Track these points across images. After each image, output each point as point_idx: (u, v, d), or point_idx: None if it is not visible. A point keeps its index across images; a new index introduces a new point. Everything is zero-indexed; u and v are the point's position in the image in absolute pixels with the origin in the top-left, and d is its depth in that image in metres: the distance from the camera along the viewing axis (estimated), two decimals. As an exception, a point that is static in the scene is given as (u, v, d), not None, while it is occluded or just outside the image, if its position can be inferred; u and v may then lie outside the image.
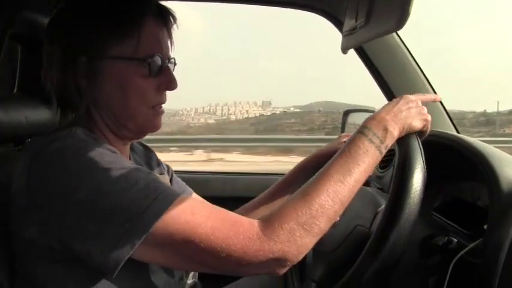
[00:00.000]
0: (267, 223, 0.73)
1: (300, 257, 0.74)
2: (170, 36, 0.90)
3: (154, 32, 0.85)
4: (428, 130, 0.90)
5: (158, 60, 0.85)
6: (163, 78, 0.87)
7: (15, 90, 1.08)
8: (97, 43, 0.82)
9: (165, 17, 0.88)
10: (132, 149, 1.03)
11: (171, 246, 0.71)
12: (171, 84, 0.88)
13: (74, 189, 0.70)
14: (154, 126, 0.89)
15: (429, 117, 0.89)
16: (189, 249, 0.71)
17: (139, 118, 0.86)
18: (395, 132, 0.83)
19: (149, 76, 0.84)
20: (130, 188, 0.70)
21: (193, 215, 0.71)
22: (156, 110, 0.88)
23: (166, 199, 0.71)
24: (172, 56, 0.91)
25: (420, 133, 0.88)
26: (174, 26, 0.91)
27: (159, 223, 0.69)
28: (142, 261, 0.73)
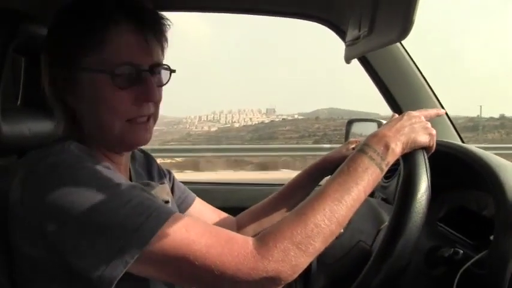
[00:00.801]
0: (262, 242, 0.72)
1: (294, 276, 0.73)
2: (150, 41, 0.83)
3: (124, 40, 0.80)
4: (434, 145, 0.89)
5: (129, 70, 0.80)
6: (140, 89, 0.82)
7: (18, 103, 1.08)
8: (72, 55, 0.81)
9: (142, 22, 0.82)
10: (133, 157, 1.02)
11: (165, 263, 0.71)
12: (149, 95, 0.82)
13: (67, 205, 0.69)
14: (135, 140, 0.86)
15: (434, 132, 0.88)
16: (183, 266, 0.70)
17: (115, 132, 0.83)
18: (397, 148, 0.82)
19: (119, 88, 0.80)
20: (124, 205, 0.70)
21: (188, 232, 0.71)
22: (133, 123, 0.83)
23: (160, 217, 0.71)
24: (161, 63, 0.86)
25: (426, 149, 0.87)
26: (162, 29, 0.86)
27: (153, 240, 0.68)
28: (139, 275, 0.72)
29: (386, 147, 0.81)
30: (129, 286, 0.75)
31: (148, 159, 1.10)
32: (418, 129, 0.86)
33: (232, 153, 8.86)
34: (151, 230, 0.69)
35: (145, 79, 0.82)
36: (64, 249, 0.71)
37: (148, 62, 0.83)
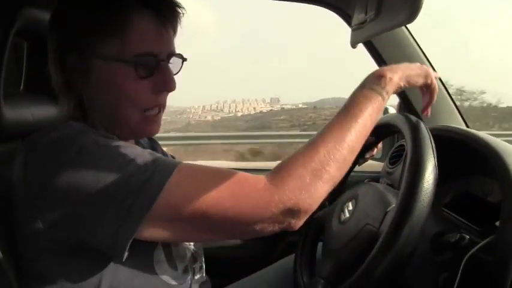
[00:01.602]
0: (275, 173, 0.72)
1: (314, 206, 0.72)
2: (168, 30, 0.82)
3: (145, 29, 0.79)
4: (434, 84, 0.92)
5: (150, 60, 0.80)
6: (159, 79, 0.81)
7: (21, 87, 1.07)
8: (86, 41, 0.79)
9: (161, 10, 0.81)
10: (136, 141, 1.02)
11: (179, 217, 0.70)
12: (168, 84, 0.82)
13: (71, 177, 0.69)
14: (147, 132, 0.86)
15: (430, 70, 0.92)
16: (196, 216, 0.69)
17: (130, 122, 0.82)
18: (394, 78, 0.84)
19: (140, 78, 0.79)
20: (127, 165, 0.69)
21: (196, 181, 0.70)
22: (148, 114, 0.83)
23: (165, 170, 0.70)
24: (176, 52, 0.85)
25: (427, 87, 0.92)
26: (178, 17, 0.84)
27: (161, 195, 0.68)
28: (152, 239, 0.72)
29: (384, 76, 0.84)
30: (132, 266, 0.77)
31: (152, 144, 1.09)
32: (413, 67, 0.90)
33: (220, 140, 8.79)
34: (158, 184, 0.68)
35: (163, 68, 0.82)
36: (73, 222, 0.70)
37: (166, 51, 0.82)
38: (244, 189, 0.70)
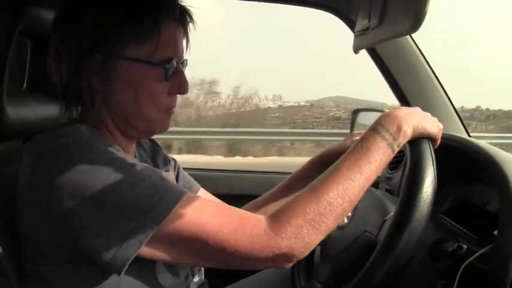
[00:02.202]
0: (275, 219, 0.73)
1: (306, 253, 0.75)
2: (187, 37, 0.88)
3: (172, 35, 0.83)
4: (439, 139, 0.89)
5: (174, 64, 0.83)
6: (176, 82, 0.85)
7: (24, 87, 1.08)
8: (114, 42, 0.79)
9: (184, 18, 0.86)
10: (139, 144, 1.02)
11: (179, 244, 0.71)
12: (183, 88, 0.86)
13: (79, 186, 0.69)
14: (163, 128, 0.88)
15: (441, 126, 0.89)
16: (196, 246, 0.71)
17: (150, 120, 0.85)
18: (408, 131, 0.82)
19: (164, 80, 0.82)
20: (136, 185, 0.70)
21: (201, 212, 0.71)
22: (167, 112, 0.87)
23: (173, 197, 0.71)
24: (185, 58, 0.88)
25: (432, 140, 0.87)
26: (191, 26, 0.88)
27: (166, 221, 0.69)
28: (150, 259, 0.73)
29: (399, 128, 0.81)
30: (135, 274, 0.77)
31: (154, 147, 1.09)
32: (427, 118, 0.87)
33: (209, 136, 8.77)
34: (164, 210, 0.69)
35: (182, 73, 0.86)
36: (75, 231, 0.70)
37: (182, 56, 0.87)
38: (245, 230, 0.72)
